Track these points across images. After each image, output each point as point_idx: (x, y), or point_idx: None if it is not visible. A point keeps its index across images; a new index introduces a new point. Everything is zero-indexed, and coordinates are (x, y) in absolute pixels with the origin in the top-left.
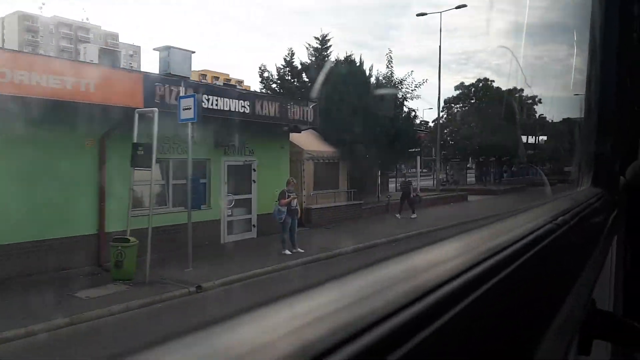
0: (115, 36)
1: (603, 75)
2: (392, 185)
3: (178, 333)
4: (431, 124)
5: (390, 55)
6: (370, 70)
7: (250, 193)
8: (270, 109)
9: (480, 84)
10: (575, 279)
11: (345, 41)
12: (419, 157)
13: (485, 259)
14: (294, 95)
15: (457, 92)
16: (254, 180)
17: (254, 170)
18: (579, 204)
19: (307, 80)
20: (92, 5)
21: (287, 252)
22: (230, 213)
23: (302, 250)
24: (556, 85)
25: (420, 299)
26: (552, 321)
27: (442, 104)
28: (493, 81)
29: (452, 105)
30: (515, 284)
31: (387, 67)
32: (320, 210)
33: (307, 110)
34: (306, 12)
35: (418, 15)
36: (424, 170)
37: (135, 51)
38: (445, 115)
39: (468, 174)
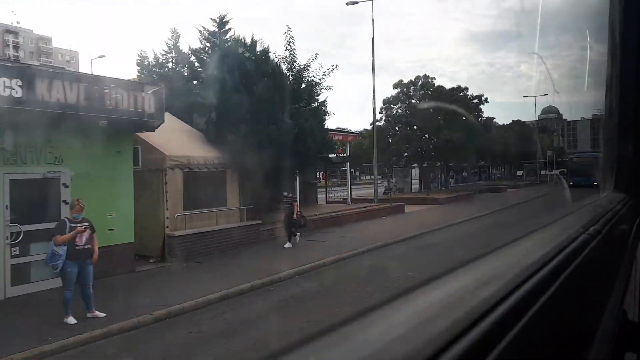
0: (48, 40)
1: (623, 76)
2: (322, 196)
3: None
4: (369, 127)
5: (290, 35)
6: (265, 53)
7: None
8: (70, 93)
9: (420, 82)
10: (610, 290)
11: (302, 49)
12: (348, 164)
13: (529, 277)
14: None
15: (396, 90)
16: (64, 201)
17: (65, 186)
18: (607, 211)
19: (200, 68)
20: (25, 8)
21: (71, 320)
22: (16, 252)
23: (102, 315)
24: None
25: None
26: (595, 335)
27: (381, 104)
28: (434, 78)
29: (392, 105)
30: (562, 297)
31: (287, 49)
32: (190, 238)
33: (141, 98)
34: (262, 19)
35: (348, 4)
36: (379, 178)
37: (73, 57)
38: (384, 118)
39: (413, 181)
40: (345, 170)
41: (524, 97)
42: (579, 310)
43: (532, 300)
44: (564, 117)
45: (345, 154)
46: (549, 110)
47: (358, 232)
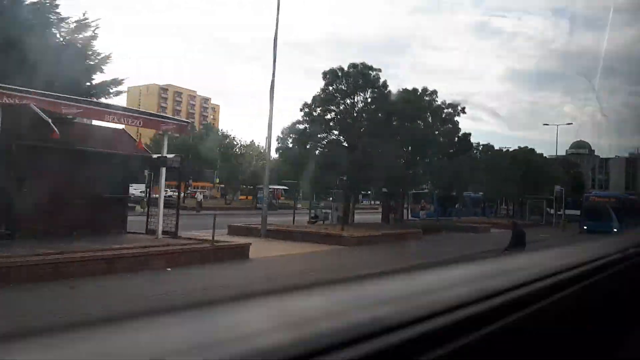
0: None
1: None
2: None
3: (181, 307)
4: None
5: None
6: None
7: None
8: None
9: (352, 69)
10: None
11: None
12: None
13: (545, 277)
14: None
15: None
16: None
17: None
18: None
19: None
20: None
21: None
22: None
23: None
24: None
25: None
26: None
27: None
28: (379, 70)
29: (314, 110)
30: (572, 309)
31: None
32: None
33: None
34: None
35: None
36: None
37: None
38: (306, 127)
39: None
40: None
41: (544, 124)
42: (593, 321)
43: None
44: (596, 154)
45: (177, 155)
46: (579, 145)
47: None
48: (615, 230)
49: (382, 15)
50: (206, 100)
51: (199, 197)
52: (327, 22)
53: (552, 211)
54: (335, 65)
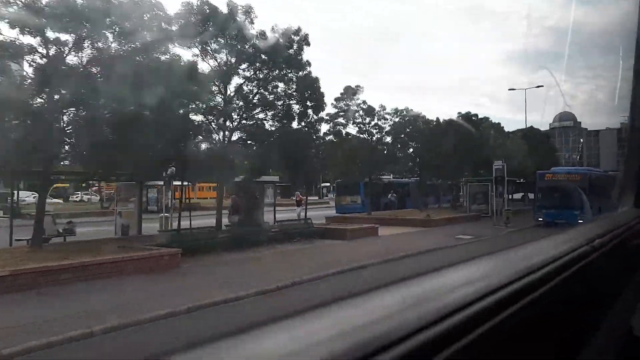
0: None
1: None
2: None
3: (207, 339)
4: None
5: None
6: None
7: None
8: None
9: None
10: (612, 303)
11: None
12: None
13: (517, 279)
14: None
15: None
16: None
17: None
18: (619, 226)
19: None
20: None
21: None
22: None
23: None
24: None
25: (447, 318)
26: (587, 344)
27: None
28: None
29: None
30: (547, 305)
31: None
32: None
33: None
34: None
35: None
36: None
37: None
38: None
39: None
40: None
41: (509, 89)
42: (567, 318)
43: (508, 302)
44: (583, 127)
45: None
46: (564, 116)
47: None
48: (581, 220)
49: (372, 3)
50: None
51: None
52: (317, 13)
53: (503, 197)
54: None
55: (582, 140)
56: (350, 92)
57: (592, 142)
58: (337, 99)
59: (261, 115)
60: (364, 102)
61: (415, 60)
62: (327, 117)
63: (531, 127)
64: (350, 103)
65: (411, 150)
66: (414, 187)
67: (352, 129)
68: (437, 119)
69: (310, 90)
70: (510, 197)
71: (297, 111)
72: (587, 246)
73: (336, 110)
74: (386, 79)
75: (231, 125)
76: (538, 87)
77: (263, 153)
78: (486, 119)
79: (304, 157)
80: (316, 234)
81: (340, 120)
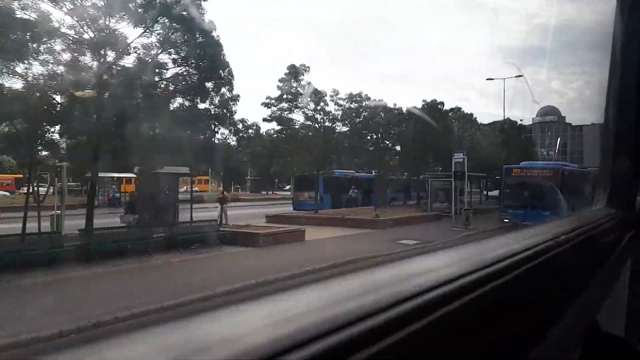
0: None
1: (622, 92)
2: None
3: (160, 318)
4: None
5: None
6: None
7: None
8: None
9: None
10: (576, 297)
11: (323, 58)
12: None
13: (477, 270)
14: None
15: None
16: None
17: None
18: (588, 223)
19: None
20: None
21: None
22: None
23: None
24: None
25: (405, 302)
26: (546, 334)
27: None
28: None
29: None
30: (506, 295)
31: None
32: None
33: None
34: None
35: None
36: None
37: None
38: None
39: None
40: None
41: (487, 79)
42: (527, 310)
43: (465, 291)
44: (567, 121)
45: None
46: (548, 111)
47: None
48: (547, 215)
49: None
50: None
51: None
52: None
53: (464, 195)
54: None
55: (565, 134)
56: (293, 72)
57: (576, 138)
58: (281, 80)
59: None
60: (309, 84)
61: (404, 50)
62: (268, 101)
63: (508, 119)
64: (294, 85)
65: (370, 141)
66: (380, 183)
67: (300, 116)
68: (395, 105)
69: (209, 59)
70: (485, 194)
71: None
72: (551, 241)
73: (280, 93)
74: (374, 69)
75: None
76: (517, 76)
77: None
78: (458, 108)
79: (211, 145)
80: (222, 239)
81: (284, 105)
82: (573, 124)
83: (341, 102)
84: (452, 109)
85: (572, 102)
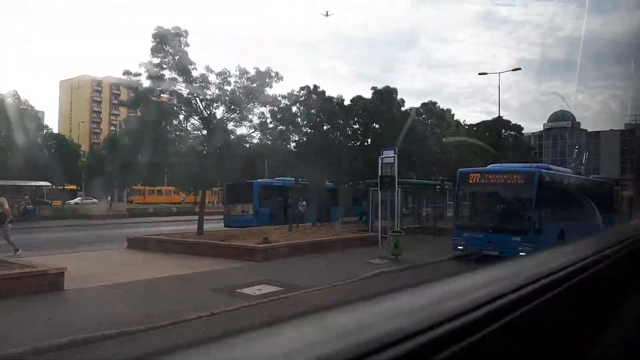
0: None
1: None
2: None
3: (192, 343)
4: None
5: None
6: None
7: None
8: None
9: None
10: (613, 316)
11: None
12: None
13: (519, 288)
14: None
15: None
16: None
17: None
18: (627, 238)
19: None
20: None
21: None
22: None
23: None
24: None
25: (444, 324)
26: (589, 351)
27: None
28: None
29: None
30: (550, 314)
31: None
32: None
33: None
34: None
35: None
36: None
37: None
38: None
39: None
40: None
41: (479, 74)
42: (569, 327)
43: (512, 308)
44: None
45: None
46: (560, 116)
47: None
48: (523, 253)
49: (385, 8)
50: None
51: None
52: (330, 19)
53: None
54: None
55: (581, 142)
56: (164, 39)
57: (592, 146)
58: (154, 49)
59: None
60: (185, 53)
61: (429, 66)
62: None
63: (499, 117)
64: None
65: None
66: (295, 194)
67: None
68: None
69: None
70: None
71: None
72: (593, 257)
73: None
74: (403, 85)
75: None
76: (515, 70)
77: None
78: (433, 103)
79: None
80: None
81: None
82: (588, 130)
83: (232, 79)
84: (424, 103)
85: (590, 110)
